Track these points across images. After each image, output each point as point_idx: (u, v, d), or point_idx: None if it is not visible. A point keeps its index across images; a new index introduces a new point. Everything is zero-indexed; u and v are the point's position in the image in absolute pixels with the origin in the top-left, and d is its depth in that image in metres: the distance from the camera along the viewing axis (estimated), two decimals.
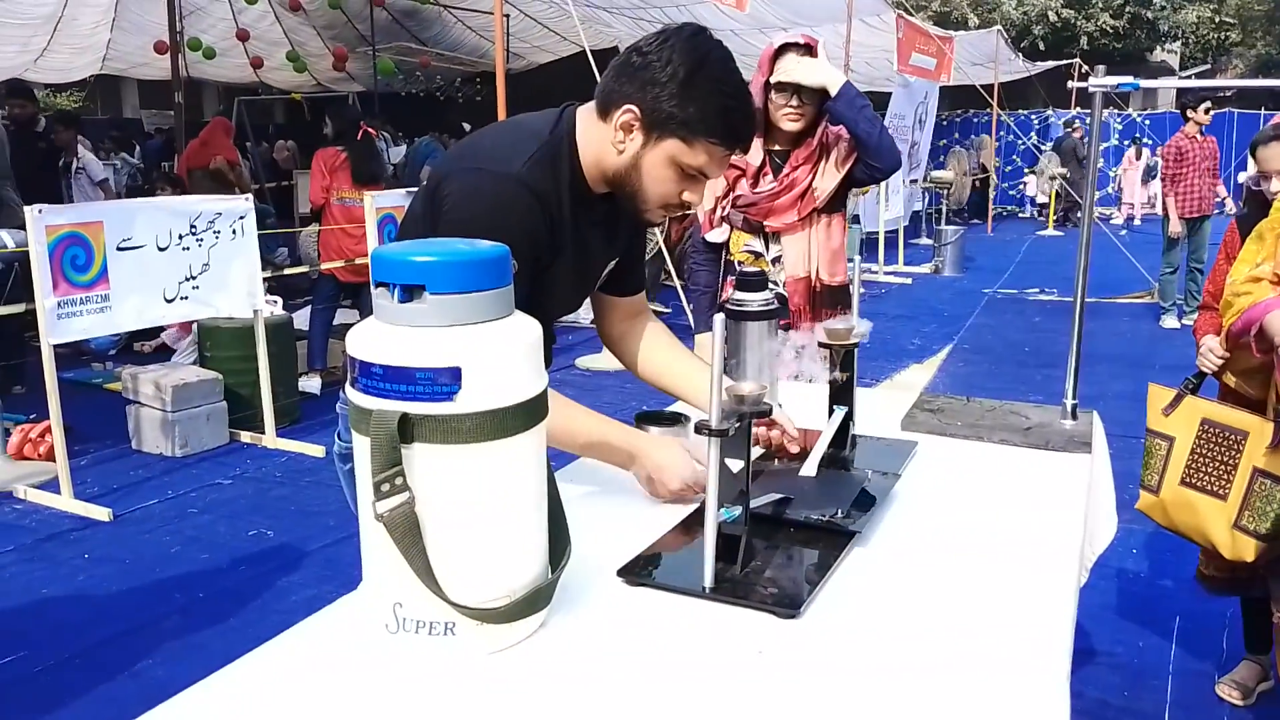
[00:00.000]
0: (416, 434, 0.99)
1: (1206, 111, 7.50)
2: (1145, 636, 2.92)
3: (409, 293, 1.01)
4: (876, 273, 10.37)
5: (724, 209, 2.71)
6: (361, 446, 1.02)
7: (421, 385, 0.99)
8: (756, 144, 2.56)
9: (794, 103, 2.56)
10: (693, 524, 1.40)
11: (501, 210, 1.41)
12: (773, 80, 2.57)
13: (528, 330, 1.07)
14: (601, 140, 1.47)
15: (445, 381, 0.99)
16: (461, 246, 1.06)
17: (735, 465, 1.26)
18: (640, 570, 1.27)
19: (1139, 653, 2.86)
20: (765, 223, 2.67)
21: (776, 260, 2.72)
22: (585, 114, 1.51)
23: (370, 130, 5.68)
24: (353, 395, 1.03)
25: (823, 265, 2.70)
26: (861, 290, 1.88)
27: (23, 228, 3.88)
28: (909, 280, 10.30)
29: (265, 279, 4.90)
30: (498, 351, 1.02)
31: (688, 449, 1.53)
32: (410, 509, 1.00)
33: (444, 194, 1.45)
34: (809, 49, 2.58)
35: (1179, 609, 3.05)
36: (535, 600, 1.10)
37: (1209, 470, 2.34)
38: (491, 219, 1.37)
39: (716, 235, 2.73)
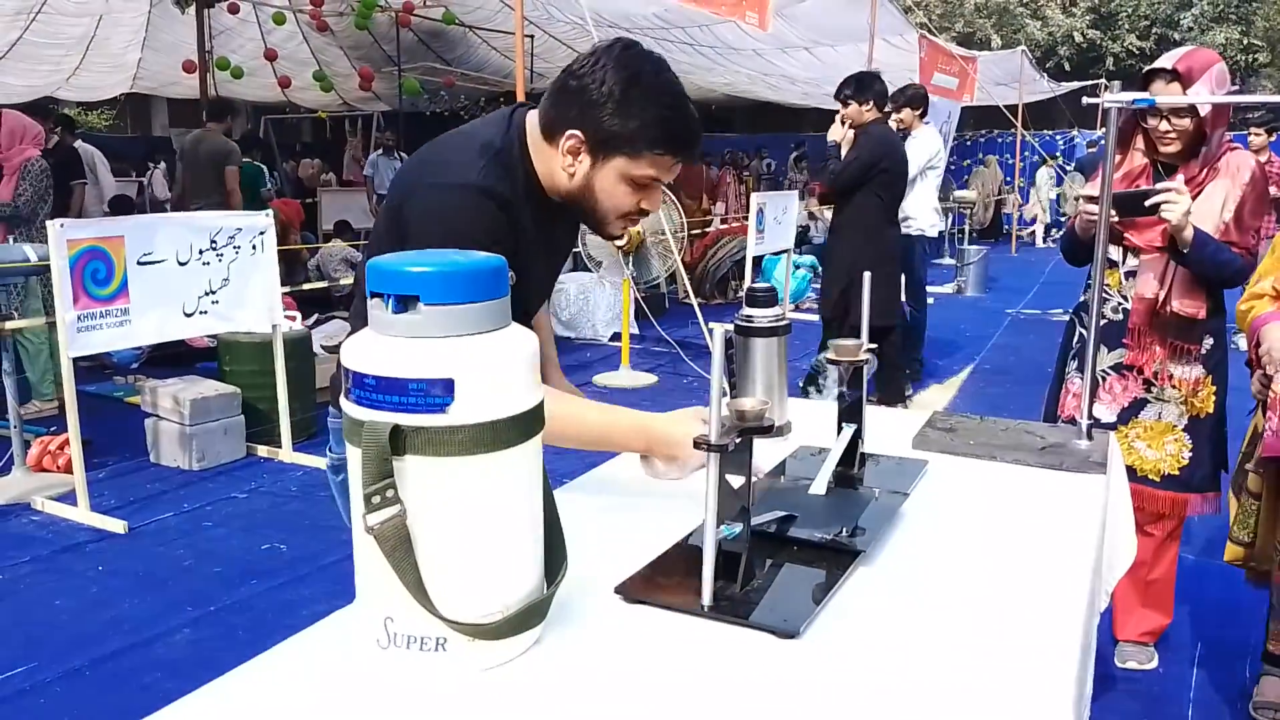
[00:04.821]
0: (408, 446, 0.98)
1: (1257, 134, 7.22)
2: (1165, 663, 2.86)
3: (403, 303, 1.00)
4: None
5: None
6: (354, 458, 1.01)
7: (414, 396, 0.98)
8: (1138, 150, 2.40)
9: (1162, 127, 2.38)
10: (693, 541, 1.38)
11: (466, 220, 1.42)
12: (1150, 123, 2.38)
13: (524, 342, 1.06)
14: (550, 162, 1.48)
15: (438, 393, 0.98)
16: (457, 257, 1.06)
17: (736, 481, 1.24)
18: (638, 587, 1.25)
19: (1159, 680, 2.80)
20: (1125, 234, 2.46)
21: (1131, 275, 2.52)
22: (534, 124, 1.51)
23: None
24: (346, 406, 1.02)
25: (1178, 292, 2.48)
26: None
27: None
28: (931, 300, 10.21)
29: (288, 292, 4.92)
30: (492, 363, 1.01)
31: (702, 418, 1.51)
32: (401, 522, 0.99)
33: (408, 213, 1.47)
34: (1178, 76, 2.36)
35: (1200, 636, 2.98)
36: (529, 617, 1.08)
37: None
38: (458, 230, 1.38)
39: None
